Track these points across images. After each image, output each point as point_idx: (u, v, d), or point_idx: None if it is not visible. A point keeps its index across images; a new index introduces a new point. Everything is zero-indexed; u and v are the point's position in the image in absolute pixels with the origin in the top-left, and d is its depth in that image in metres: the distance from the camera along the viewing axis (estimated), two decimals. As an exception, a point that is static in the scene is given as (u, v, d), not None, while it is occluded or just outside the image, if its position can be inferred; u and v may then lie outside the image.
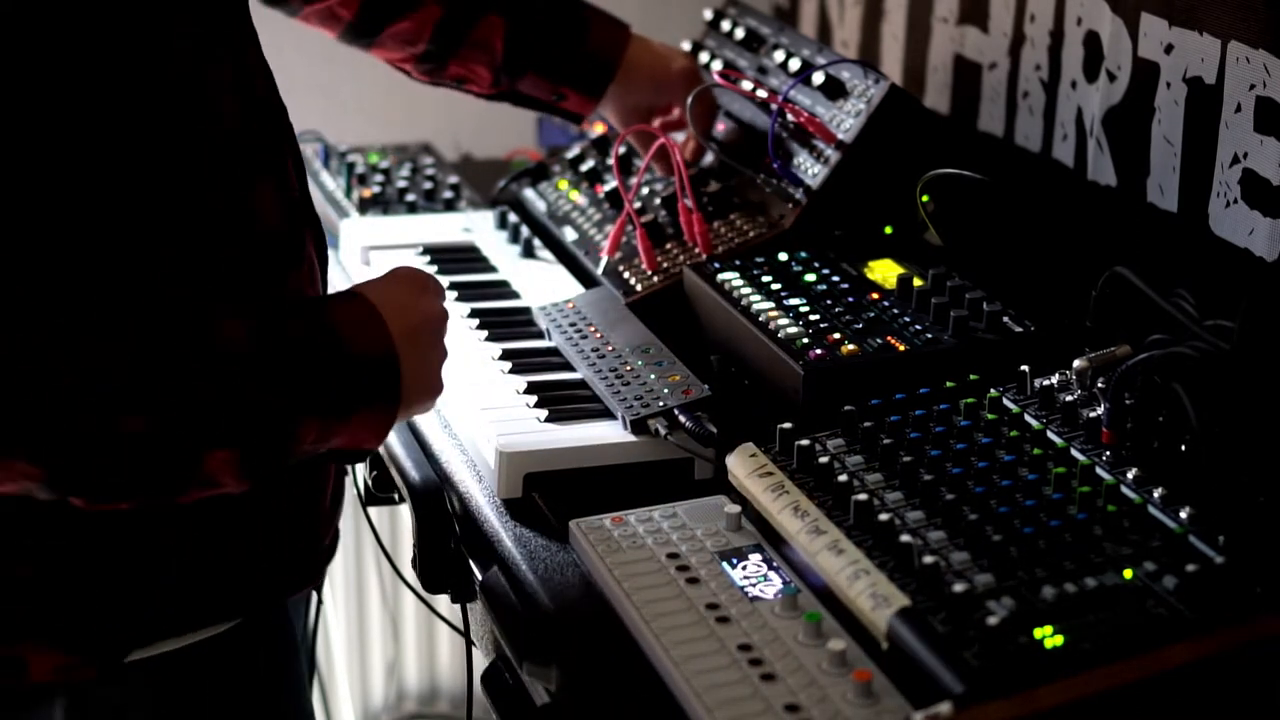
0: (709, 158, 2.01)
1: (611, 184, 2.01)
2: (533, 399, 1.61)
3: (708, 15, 2.20)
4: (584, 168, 2.12)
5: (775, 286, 1.74)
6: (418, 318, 1.34)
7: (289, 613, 1.51)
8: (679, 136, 2.00)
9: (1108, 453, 1.39)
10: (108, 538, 1.33)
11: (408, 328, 1.32)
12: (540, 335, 1.78)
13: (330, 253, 2.11)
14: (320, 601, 1.69)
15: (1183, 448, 1.37)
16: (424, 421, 1.69)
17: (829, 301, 1.71)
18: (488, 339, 1.77)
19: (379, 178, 2.26)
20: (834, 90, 1.91)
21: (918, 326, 1.65)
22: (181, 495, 1.25)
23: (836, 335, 1.63)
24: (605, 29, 1.99)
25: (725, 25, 2.15)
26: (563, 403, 1.60)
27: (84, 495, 1.21)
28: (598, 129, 2.19)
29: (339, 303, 1.32)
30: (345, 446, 1.31)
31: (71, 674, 1.35)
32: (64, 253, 1.22)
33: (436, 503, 1.55)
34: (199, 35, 1.30)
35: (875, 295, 1.72)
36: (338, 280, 2.04)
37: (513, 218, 2.07)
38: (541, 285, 1.91)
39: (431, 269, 1.94)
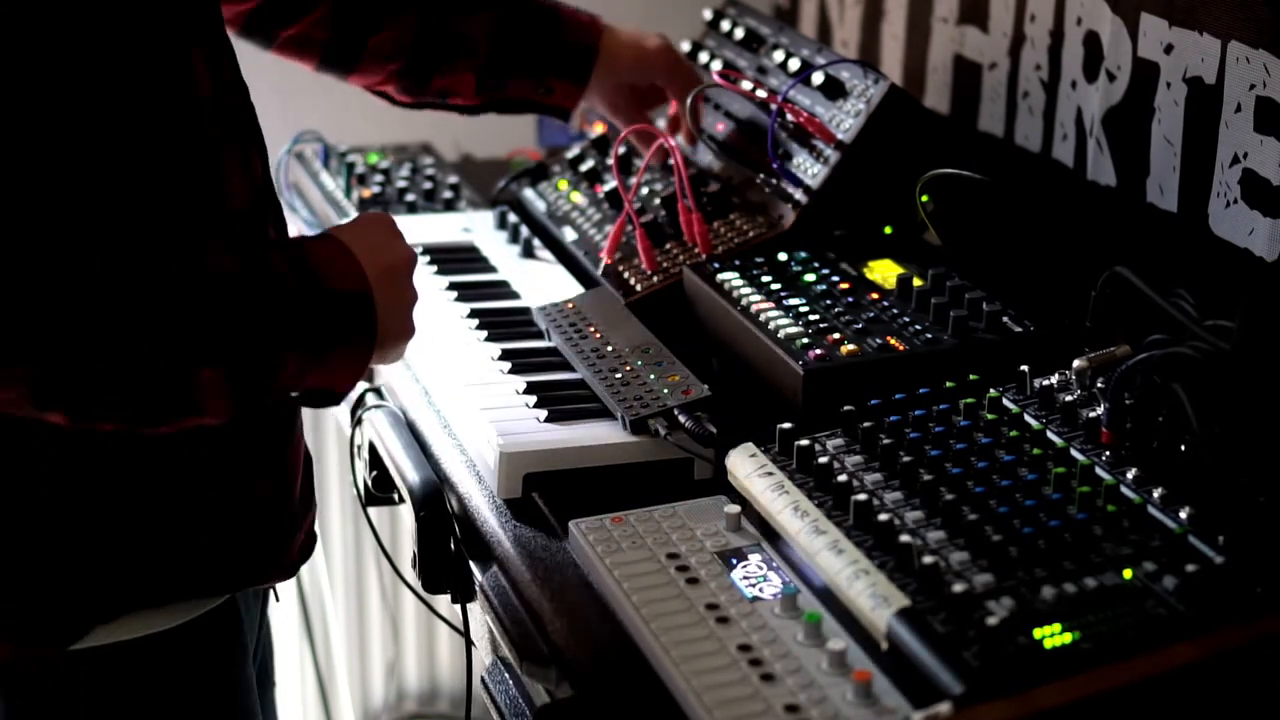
0: (709, 158, 2.01)
1: (611, 184, 2.01)
2: (533, 399, 1.61)
3: (707, 15, 2.20)
4: (584, 168, 2.12)
5: (775, 286, 1.74)
6: (391, 256, 1.39)
7: (240, 613, 1.50)
8: (661, 121, 2.00)
9: (1107, 453, 1.39)
10: (58, 519, 1.33)
11: (381, 266, 1.36)
12: (540, 335, 1.78)
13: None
14: (270, 603, 1.67)
15: (1183, 448, 1.37)
16: (424, 421, 1.69)
17: (829, 301, 1.71)
18: (488, 339, 1.77)
19: (379, 178, 2.26)
20: (834, 90, 1.91)
21: (918, 326, 1.65)
22: (166, 417, 1.26)
23: (836, 335, 1.63)
24: (576, 16, 2.00)
25: (725, 25, 2.15)
26: (563, 403, 1.60)
27: (68, 406, 1.22)
28: (598, 129, 2.19)
29: (315, 242, 1.36)
30: (321, 386, 1.34)
31: (15, 665, 1.35)
32: (59, 192, 1.24)
33: (436, 503, 1.55)
34: (173, 4, 1.32)
35: (875, 295, 1.72)
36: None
37: (512, 218, 2.07)
38: (541, 285, 1.91)
39: (431, 269, 1.94)
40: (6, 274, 1.16)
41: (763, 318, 1.67)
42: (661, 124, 2.04)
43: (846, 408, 1.48)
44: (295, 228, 2.22)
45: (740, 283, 1.75)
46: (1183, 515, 1.28)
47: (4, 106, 1.20)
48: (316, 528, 1.58)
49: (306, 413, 2.74)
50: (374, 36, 1.93)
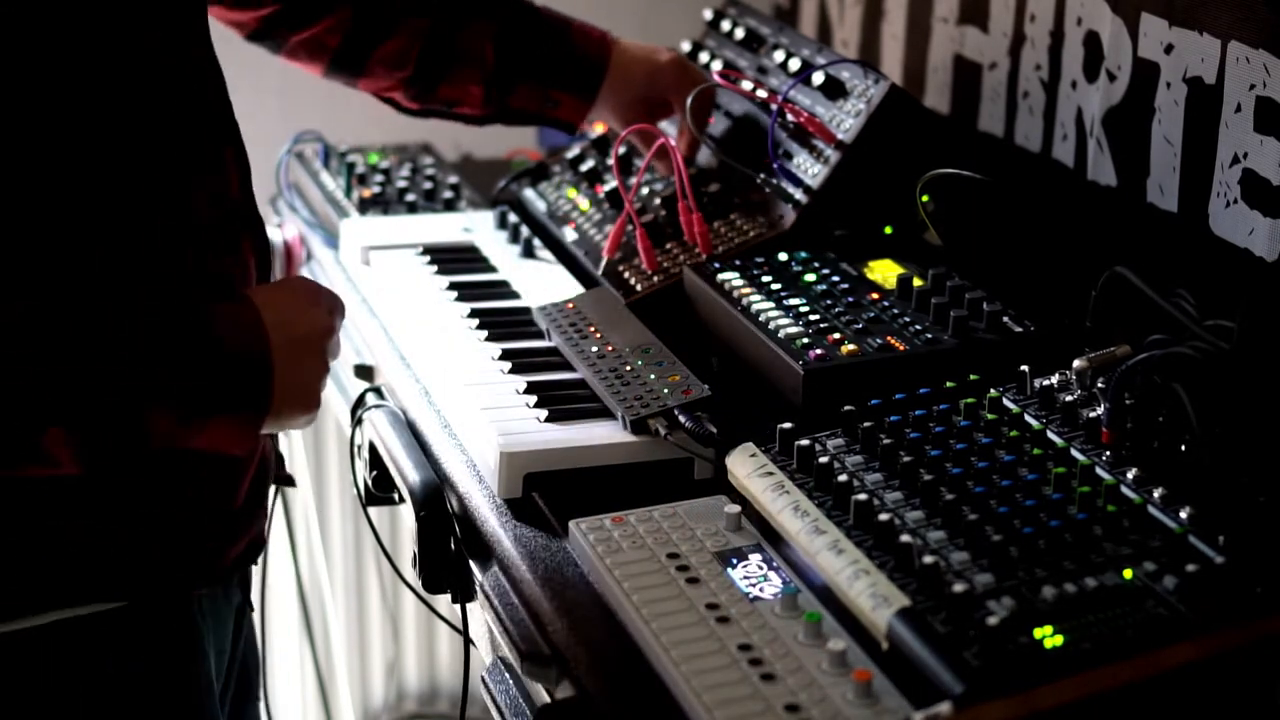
0: (709, 158, 2.01)
1: (611, 184, 2.01)
2: (533, 399, 1.61)
3: (708, 15, 2.20)
4: (584, 168, 2.12)
5: (775, 286, 1.74)
6: (302, 328, 1.35)
7: (194, 614, 1.47)
8: (670, 129, 2.00)
9: (1108, 453, 1.39)
10: None
11: (289, 337, 1.33)
12: (540, 335, 1.78)
13: (330, 253, 2.12)
14: (251, 610, 1.65)
15: (1183, 448, 1.37)
16: (424, 421, 1.69)
17: (829, 301, 1.71)
18: (488, 339, 1.77)
19: (379, 178, 2.26)
20: (834, 90, 1.91)
21: (918, 326, 1.65)
22: (15, 468, 1.24)
23: (836, 335, 1.63)
24: (587, 31, 2.00)
25: (725, 25, 2.15)
26: (563, 403, 1.60)
27: None
28: (598, 129, 2.19)
29: (223, 302, 1.32)
30: (205, 449, 1.30)
31: None
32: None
33: (436, 503, 1.55)
34: (141, 18, 1.31)
35: (875, 295, 1.72)
36: (338, 282, 2.04)
37: (513, 218, 2.07)
38: (541, 285, 1.91)
39: (431, 269, 1.94)
40: None
41: (763, 318, 1.67)
42: (672, 131, 2.03)
43: (846, 408, 1.48)
44: (295, 228, 2.22)
45: (740, 283, 1.75)
46: (1183, 515, 1.28)
47: None
48: (268, 533, 1.56)
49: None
50: (383, 45, 1.94)
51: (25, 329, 1.21)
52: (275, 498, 2.02)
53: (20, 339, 1.20)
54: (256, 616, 1.66)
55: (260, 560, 1.56)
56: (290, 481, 1.68)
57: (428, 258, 1.97)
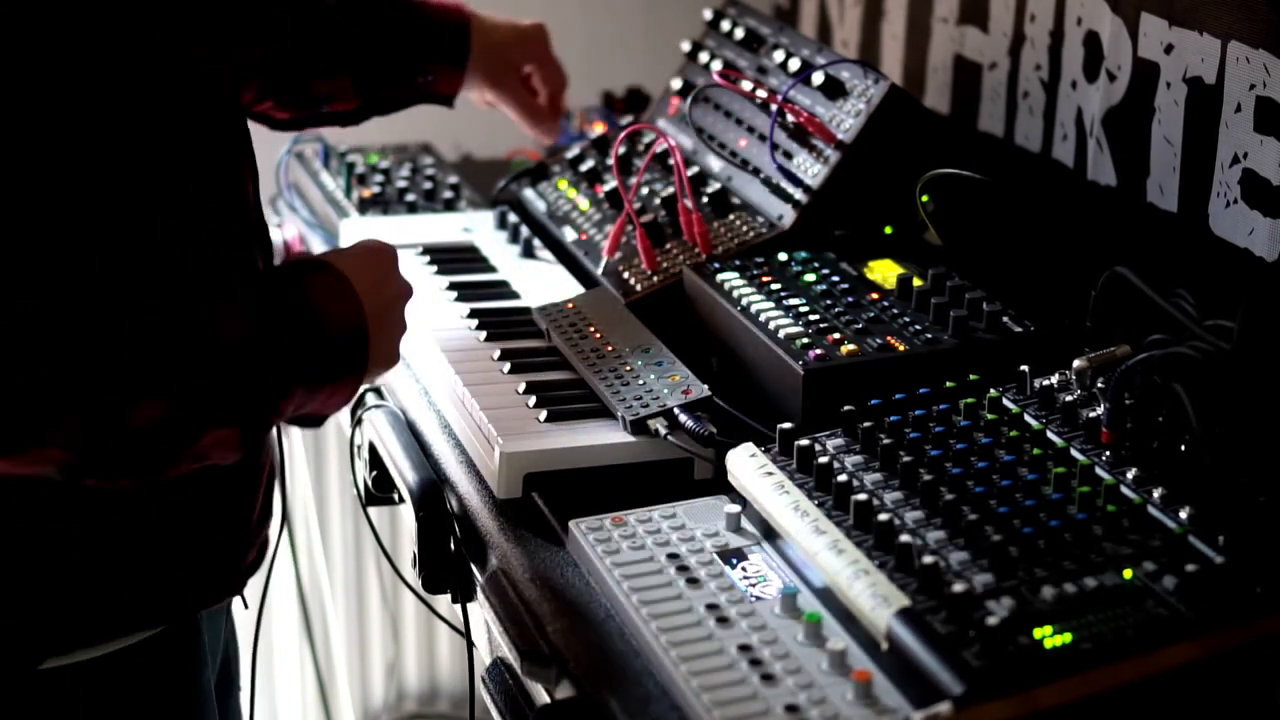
0: (709, 157, 2.01)
1: (611, 184, 2.01)
2: (533, 399, 1.61)
3: (707, 15, 2.20)
4: (584, 168, 2.12)
5: (775, 286, 1.74)
6: (388, 296, 1.41)
7: (199, 624, 1.51)
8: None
9: (1107, 453, 1.39)
10: (21, 543, 1.34)
11: (378, 305, 1.39)
12: (540, 335, 1.78)
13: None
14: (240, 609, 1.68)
15: (1183, 448, 1.37)
16: (424, 421, 1.69)
17: (829, 301, 1.71)
18: (487, 339, 1.77)
19: (379, 178, 2.26)
20: (834, 90, 1.91)
21: (918, 326, 1.65)
22: (175, 470, 1.30)
23: (836, 335, 1.63)
24: (441, 4, 1.98)
25: (725, 25, 2.15)
26: (563, 403, 1.60)
27: (99, 476, 1.26)
28: (598, 129, 2.19)
29: (315, 275, 1.37)
30: (313, 413, 1.38)
31: None
32: (76, 243, 1.27)
33: (436, 503, 1.55)
34: (138, 18, 1.33)
35: (875, 295, 1.72)
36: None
37: (513, 218, 2.07)
38: (541, 285, 1.91)
39: (431, 269, 1.94)
40: (38, 367, 1.20)
41: (763, 318, 1.67)
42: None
43: (846, 408, 1.48)
44: (295, 228, 2.22)
45: (740, 283, 1.75)
46: (1183, 515, 1.28)
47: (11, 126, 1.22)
48: (270, 535, 1.60)
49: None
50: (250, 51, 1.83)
51: (194, 353, 1.27)
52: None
53: (193, 361, 1.26)
54: (253, 615, 1.67)
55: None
56: None
57: (428, 258, 1.97)
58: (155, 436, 1.25)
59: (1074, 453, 1.39)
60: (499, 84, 2.01)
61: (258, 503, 1.51)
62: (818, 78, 1.93)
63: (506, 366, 1.69)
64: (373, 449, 1.72)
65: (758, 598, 1.31)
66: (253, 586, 1.58)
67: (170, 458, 1.28)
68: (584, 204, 2.07)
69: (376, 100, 1.97)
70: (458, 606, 1.56)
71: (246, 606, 1.64)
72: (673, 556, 1.37)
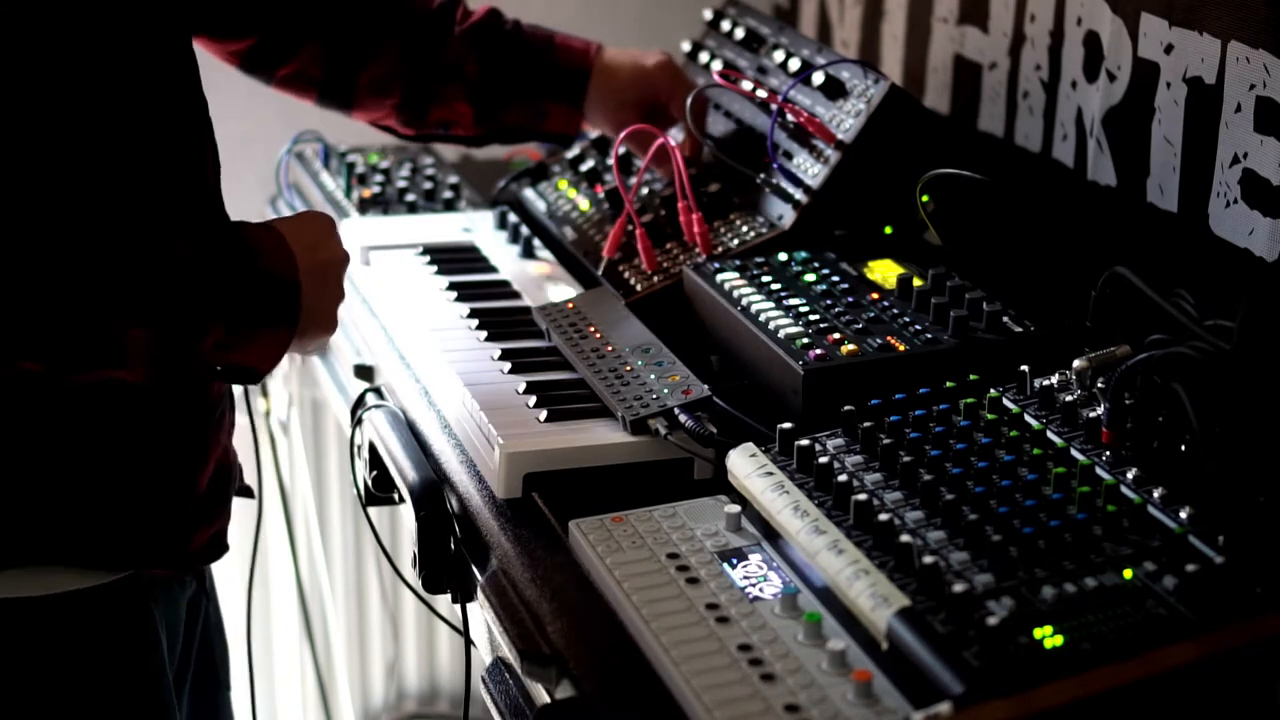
0: (709, 158, 2.01)
1: (611, 184, 2.01)
2: (533, 399, 1.61)
3: (708, 15, 2.20)
4: (584, 168, 2.12)
5: (775, 286, 1.74)
6: (324, 254, 1.48)
7: (149, 605, 1.53)
8: (675, 134, 1.99)
9: (1107, 453, 1.39)
10: None
11: (314, 263, 1.46)
12: (540, 335, 1.78)
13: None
14: (207, 601, 1.71)
15: (1183, 448, 1.37)
16: (424, 421, 1.69)
17: (829, 301, 1.71)
18: (488, 339, 1.77)
19: (379, 178, 2.26)
20: (834, 90, 1.91)
21: (918, 326, 1.65)
22: (93, 370, 1.35)
23: (836, 335, 1.63)
24: (569, 41, 2.01)
25: (725, 25, 2.15)
26: (563, 403, 1.60)
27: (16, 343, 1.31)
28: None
29: (254, 228, 1.45)
30: (242, 363, 1.43)
31: None
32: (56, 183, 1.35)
33: (436, 503, 1.55)
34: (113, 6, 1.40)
35: (875, 295, 1.72)
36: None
37: (513, 218, 2.07)
38: (541, 285, 1.91)
39: (431, 269, 1.94)
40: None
41: (763, 318, 1.67)
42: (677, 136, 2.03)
43: (846, 408, 1.48)
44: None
45: (740, 283, 1.75)
46: (1183, 515, 1.28)
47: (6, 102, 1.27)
48: (229, 536, 1.62)
49: (306, 413, 2.74)
50: (365, 70, 1.94)
51: (138, 258, 1.34)
52: (260, 505, 2.04)
53: (136, 263, 1.34)
54: (252, 612, 1.68)
55: (222, 559, 1.62)
56: (249, 493, 1.74)
57: (428, 258, 1.97)
58: (78, 316, 1.31)
59: (1074, 453, 1.39)
60: (619, 128, 2.00)
61: (202, 477, 1.53)
62: (818, 78, 1.93)
63: (507, 366, 1.69)
64: (373, 449, 1.72)
65: (758, 598, 1.31)
66: (253, 586, 1.59)
67: (88, 346, 1.33)
68: (584, 204, 2.07)
69: (496, 132, 2.03)
70: (458, 606, 1.56)
71: (208, 599, 1.67)
72: (673, 556, 1.37)
